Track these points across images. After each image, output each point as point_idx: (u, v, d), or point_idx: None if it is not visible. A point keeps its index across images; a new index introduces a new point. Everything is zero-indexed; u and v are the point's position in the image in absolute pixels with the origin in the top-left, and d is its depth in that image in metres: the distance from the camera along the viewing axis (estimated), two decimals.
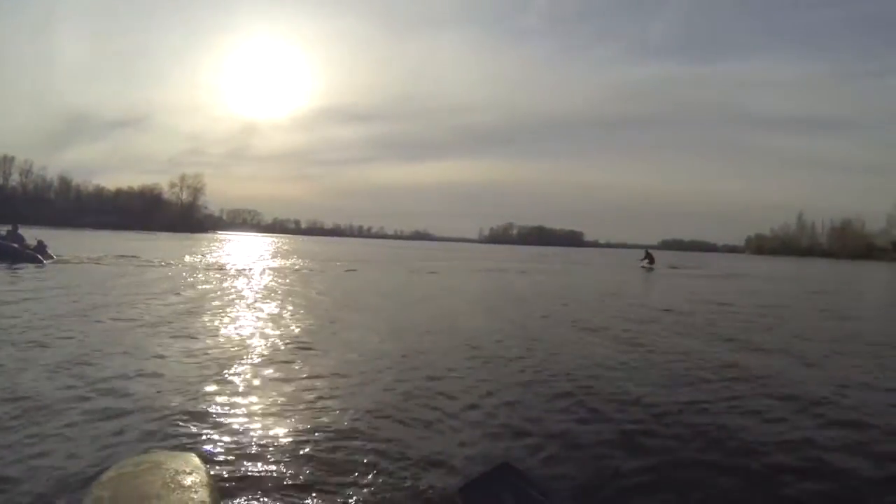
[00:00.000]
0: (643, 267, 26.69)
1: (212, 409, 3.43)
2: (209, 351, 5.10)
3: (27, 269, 12.61)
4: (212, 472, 1.99)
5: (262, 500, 2.36)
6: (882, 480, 2.80)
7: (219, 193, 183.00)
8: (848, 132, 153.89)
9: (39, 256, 14.57)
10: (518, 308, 9.91)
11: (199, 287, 11.12)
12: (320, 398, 3.78)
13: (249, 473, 2.58)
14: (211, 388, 3.90)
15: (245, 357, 4.91)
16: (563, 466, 2.82)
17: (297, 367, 4.63)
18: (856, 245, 77.44)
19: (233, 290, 10.69)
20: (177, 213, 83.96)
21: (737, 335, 7.26)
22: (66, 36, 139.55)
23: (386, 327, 7.01)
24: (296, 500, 2.38)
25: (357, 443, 3.00)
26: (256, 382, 4.12)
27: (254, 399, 3.70)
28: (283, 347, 5.44)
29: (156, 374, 4.20)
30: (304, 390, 3.95)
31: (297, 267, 19.07)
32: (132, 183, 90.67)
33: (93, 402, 3.49)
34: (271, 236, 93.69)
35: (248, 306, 8.40)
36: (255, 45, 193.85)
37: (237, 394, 3.80)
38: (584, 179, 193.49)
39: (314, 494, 2.43)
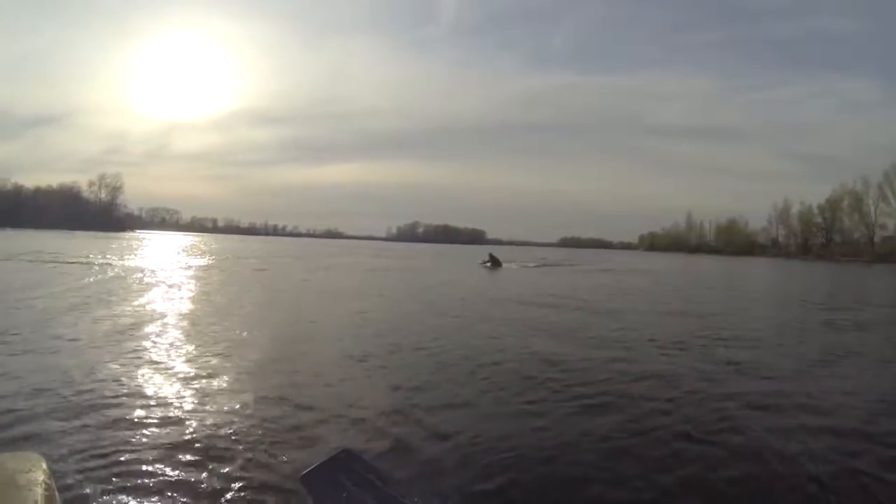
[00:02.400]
0: (485, 264, 27.26)
1: (65, 411, 3.39)
2: (77, 351, 5.09)
3: None
4: (56, 472, 1.98)
5: (103, 495, 2.38)
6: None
7: (138, 192, 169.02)
8: (734, 140, 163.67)
9: None
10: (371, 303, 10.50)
11: (90, 289, 10.77)
12: (176, 396, 3.84)
13: (93, 471, 2.57)
14: (68, 388, 3.85)
15: (110, 356, 4.87)
16: (402, 453, 2.98)
17: (159, 365, 4.67)
18: (740, 242, 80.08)
19: (116, 291, 10.55)
20: (96, 213, 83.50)
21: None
22: None
23: (245, 320, 7.40)
24: (136, 496, 2.40)
25: (202, 436, 3.08)
26: (114, 382, 4.08)
27: (109, 399, 3.66)
28: (150, 343, 5.55)
29: (11, 375, 4.16)
30: (160, 389, 4.02)
31: (200, 265, 19.71)
32: (51, 182, 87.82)
33: None
34: (189, 235, 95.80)
35: (126, 306, 8.37)
36: (173, 47, 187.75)
37: (93, 394, 3.75)
38: (488, 181, 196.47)
39: (156, 489, 2.46)
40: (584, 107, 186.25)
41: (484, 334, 6.93)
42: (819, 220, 71.08)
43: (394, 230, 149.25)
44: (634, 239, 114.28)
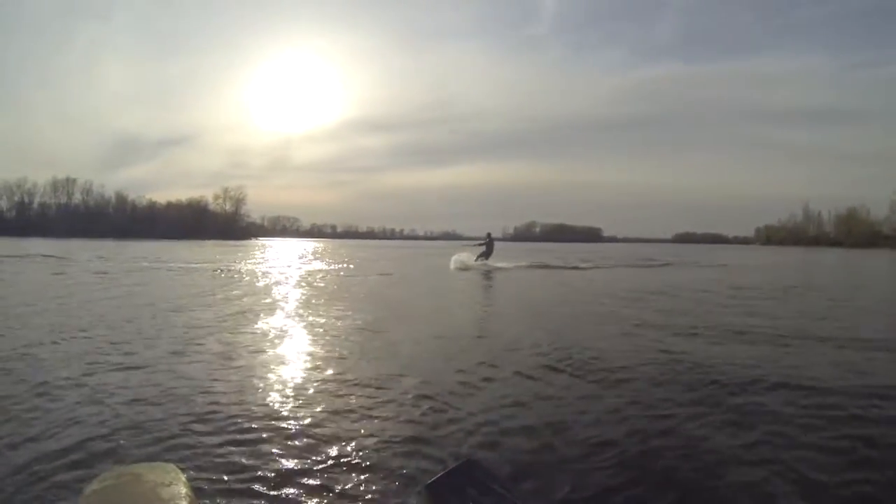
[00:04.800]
0: (473, 260, 19.43)
1: (198, 419, 3.40)
2: (202, 358, 5.07)
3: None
4: (194, 483, 2.12)
5: None
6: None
7: (260, 202, 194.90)
8: (850, 122, 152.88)
9: None
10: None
11: (225, 291, 11.42)
12: (306, 402, 3.82)
13: (230, 482, 2.63)
14: (198, 396, 3.86)
15: (238, 365, 4.84)
16: (529, 464, 2.87)
17: (285, 373, 4.61)
18: (861, 233, 76.37)
19: (249, 294, 11.03)
20: (222, 223, 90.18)
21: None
22: (114, 64, 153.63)
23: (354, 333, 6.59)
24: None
25: (332, 445, 3.09)
26: (242, 391, 4.06)
27: (237, 408, 3.64)
28: (279, 351, 5.49)
29: (143, 383, 4.18)
30: (290, 396, 3.97)
31: (322, 269, 20.13)
32: (181, 196, 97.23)
33: (78, 410, 3.52)
34: (310, 240, 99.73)
35: (262, 311, 8.38)
36: (287, 65, 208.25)
37: (223, 402, 3.74)
38: (601, 177, 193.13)
39: (288, 501, 2.50)
40: (692, 96, 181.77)
41: (624, 337, 6.23)
42: None
43: (510, 230, 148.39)
44: (750, 232, 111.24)
